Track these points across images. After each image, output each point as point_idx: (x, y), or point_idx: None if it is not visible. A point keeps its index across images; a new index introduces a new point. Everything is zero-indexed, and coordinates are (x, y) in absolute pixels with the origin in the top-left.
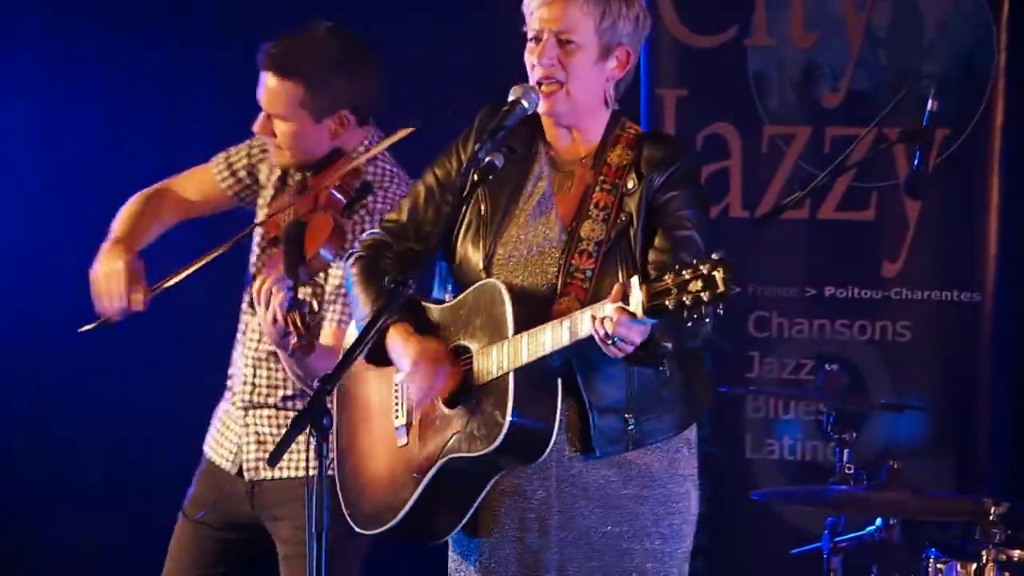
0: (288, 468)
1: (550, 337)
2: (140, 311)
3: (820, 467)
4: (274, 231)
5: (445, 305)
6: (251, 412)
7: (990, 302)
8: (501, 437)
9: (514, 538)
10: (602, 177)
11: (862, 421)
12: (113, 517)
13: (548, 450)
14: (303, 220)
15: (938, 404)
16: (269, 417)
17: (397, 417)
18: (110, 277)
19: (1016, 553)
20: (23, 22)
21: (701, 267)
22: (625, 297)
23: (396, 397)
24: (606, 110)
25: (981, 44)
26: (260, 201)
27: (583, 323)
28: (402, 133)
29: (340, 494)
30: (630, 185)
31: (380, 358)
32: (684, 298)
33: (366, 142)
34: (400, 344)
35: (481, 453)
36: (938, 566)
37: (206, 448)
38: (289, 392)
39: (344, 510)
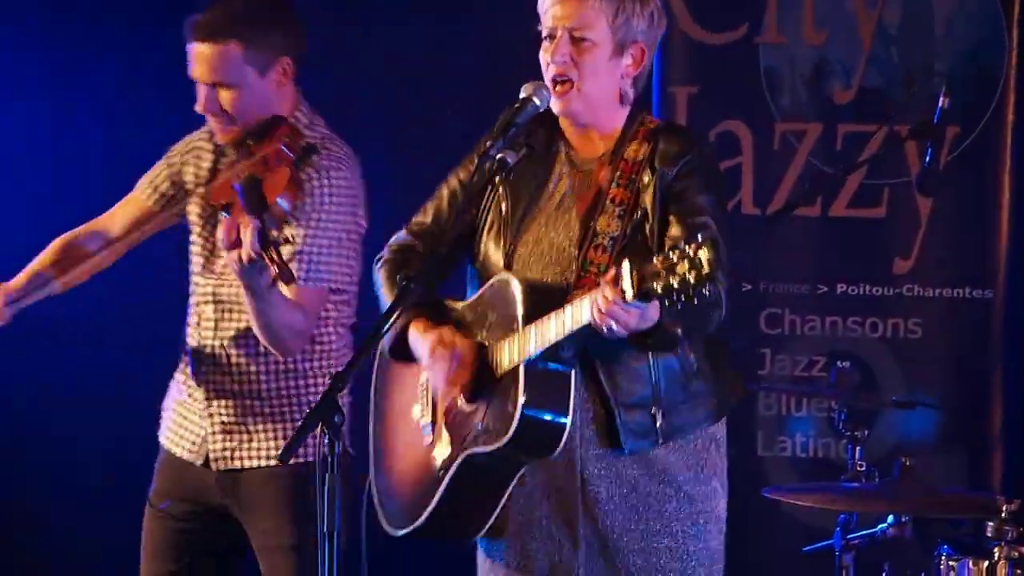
0: (260, 458)
1: (554, 326)
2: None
3: (832, 464)
4: (225, 197)
5: (465, 303)
6: (214, 402)
7: (1002, 299)
8: (512, 430)
9: (539, 536)
10: (619, 172)
11: (874, 418)
12: (114, 517)
13: (563, 443)
14: (258, 176)
15: (950, 401)
16: (234, 405)
17: (423, 415)
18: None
19: None
20: (23, 22)
21: (687, 249)
22: (618, 281)
23: (422, 395)
24: (622, 107)
25: (992, 41)
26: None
27: (583, 310)
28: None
29: (375, 495)
30: (645, 180)
31: (406, 355)
32: (671, 280)
33: (303, 107)
34: (419, 337)
35: (496, 447)
36: (950, 563)
37: (163, 440)
38: (253, 378)
39: (379, 511)
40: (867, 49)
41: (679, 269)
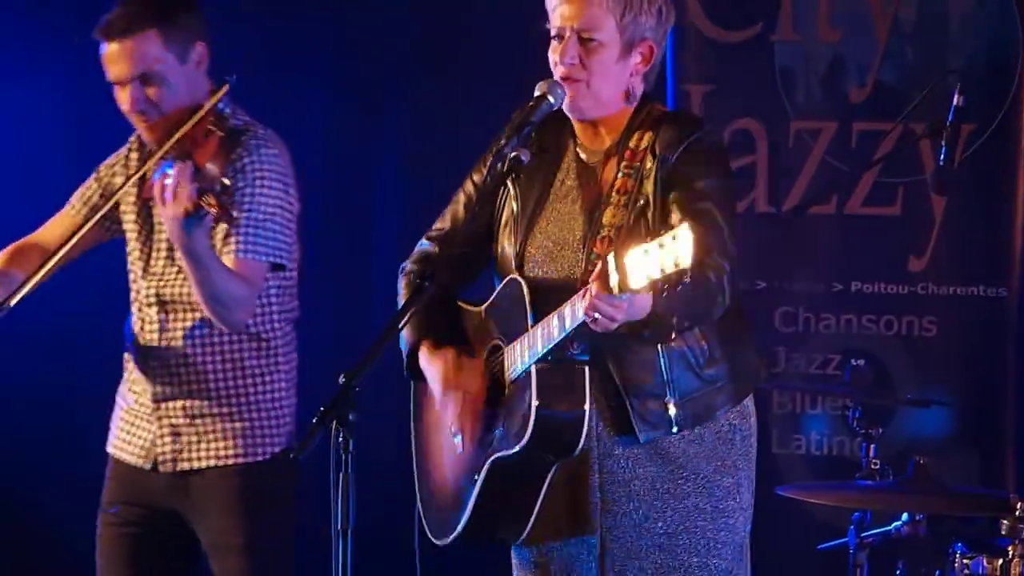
0: (210, 458)
1: (556, 323)
2: None
3: (846, 462)
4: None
5: (480, 307)
6: (163, 405)
7: (1016, 297)
8: (530, 431)
9: (560, 535)
10: (624, 163)
11: (888, 416)
12: None
13: (583, 439)
14: (187, 148)
15: (964, 399)
16: (183, 408)
17: (453, 425)
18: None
19: None
20: (47, 14)
21: (664, 235)
22: (604, 275)
23: (453, 426)
24: (631, 102)
25: (1007, 40)
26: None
27: (578, 307)
28: (220, 93)
29: (419, 504)
30: (648, 166)
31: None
32: (653, 269)
33: (224, 98)
34: (428, 364)
35: (516, 449)
36: (964, 561)
37: (110, 449)
38: (201, 378)
39: (423, 520)
40: (882, 47)
41: (660, 257)
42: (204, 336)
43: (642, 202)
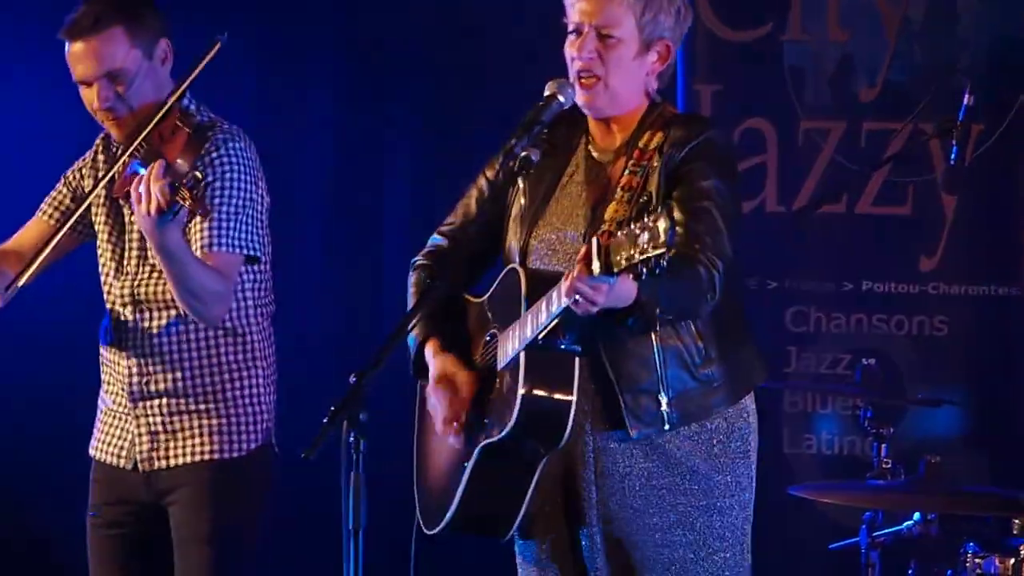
0: (182, 455)
1: (544, 310)
2: None
3: (857, 462)
4: (128, 185)
5: (481, 298)
6: (141, 404)
7: None
8: (514, 415)
9: (557, 532)
10: (632, 161)
11: (899, 416)
12: None
13: (568, 429)
14: (155, 146)
15: (975, 399)
16: (160, 406)
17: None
18: None
19: None
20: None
21: (647, 220)
22: (588, 257)
23: (441, 425)
24: (645, 101)
25: (1016, 39)
26: (96, 203)
27: (562, 289)
28: (212, 52)
29: (416, 496)
30: (655, 164)
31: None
32: (633, 251)
33: (188, 95)
34: (431, 360)
35: (502, 435)
36: (976, 560)
37: (92, 452)
38: (178, 376)
39: (417, 511)
40: (891, 47)
41: (639, 240)
42: (180, 334)
43: (644, 198)
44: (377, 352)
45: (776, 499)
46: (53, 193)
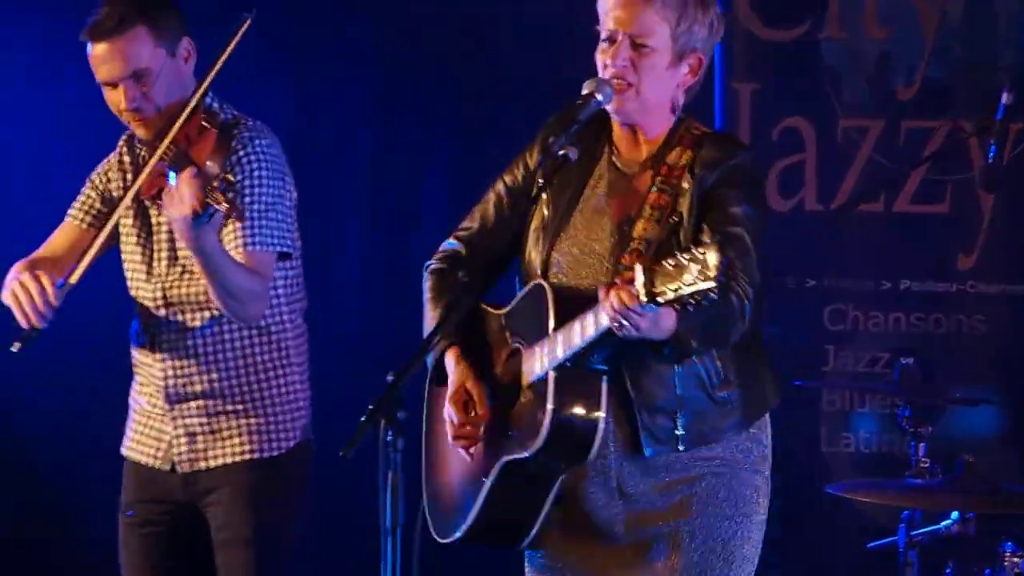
0: (225, 455)
1: (579, 331)
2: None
3: (895, 461)
4: (157, 186)
5: (503, 310)
6: (177, 406)
7: None
8: (543, 436)
9: (578, 539)
10: (660, 178)
11: (937, 415)
12: None
13: (596, 446)
14: (183, 147)
15: (1013, 397)
16: (197, 408)
17: None
18: (17, 289)
19: None
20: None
21: (696, 251)
22: (632, 284)
23: (454, 441)
24: (672, 114)
25: None
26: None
27: (602, 315)
28: (242, 29)
29: (425, 501)
30: (685, 185)
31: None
32: (681, 283)
33: (211, 93)
34: (451, 369)
35: (529, 453)
36: (1014, 559)
37: (125, 451)
38: (214, 377)
39: (427, 517)
40: (930, 45)
41: (688, 272)
42: (214, 335)
43: (676, 219)
44: (415, 352)
45: (814, 498)
46: (81, 198)
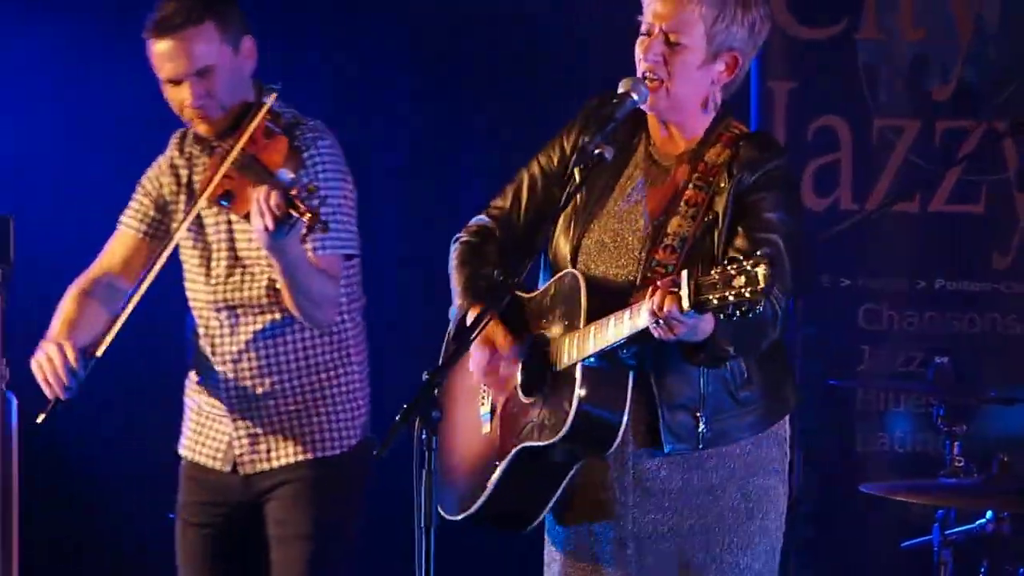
0: (284, 456)
1: (613, 327)
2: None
3: (930, 460)
4: (224, 186)
5: (531, 294)
6: (237, 407)
7: None
8: (567, 426)
9: (597, 529)
10: (697, 175)
11: (972, 414)
12: None
13: (617, 441)
14: (250, 152)
15: None
16: (259, 409)
17: (483, 404)
18: (42, 360)
19: None
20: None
21: (746, 263)
22: (676, 289)
23: (483, 384)
24: (709, 111)
25: None
26: (176, 207)
27: (642, 314)
28: (268, 103)
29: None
30: (722, 184)
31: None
32: (728, 294)
33: (267, 99)
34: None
35: (549, 442)
36: None
37: (183, 451)
38: (274, 378)
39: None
40: (965, 46)
41: (736, 283)
42: (275, 336)
43: (711, 218)
44: (452, 351)
45: (849, 497)
46: (134, 205)
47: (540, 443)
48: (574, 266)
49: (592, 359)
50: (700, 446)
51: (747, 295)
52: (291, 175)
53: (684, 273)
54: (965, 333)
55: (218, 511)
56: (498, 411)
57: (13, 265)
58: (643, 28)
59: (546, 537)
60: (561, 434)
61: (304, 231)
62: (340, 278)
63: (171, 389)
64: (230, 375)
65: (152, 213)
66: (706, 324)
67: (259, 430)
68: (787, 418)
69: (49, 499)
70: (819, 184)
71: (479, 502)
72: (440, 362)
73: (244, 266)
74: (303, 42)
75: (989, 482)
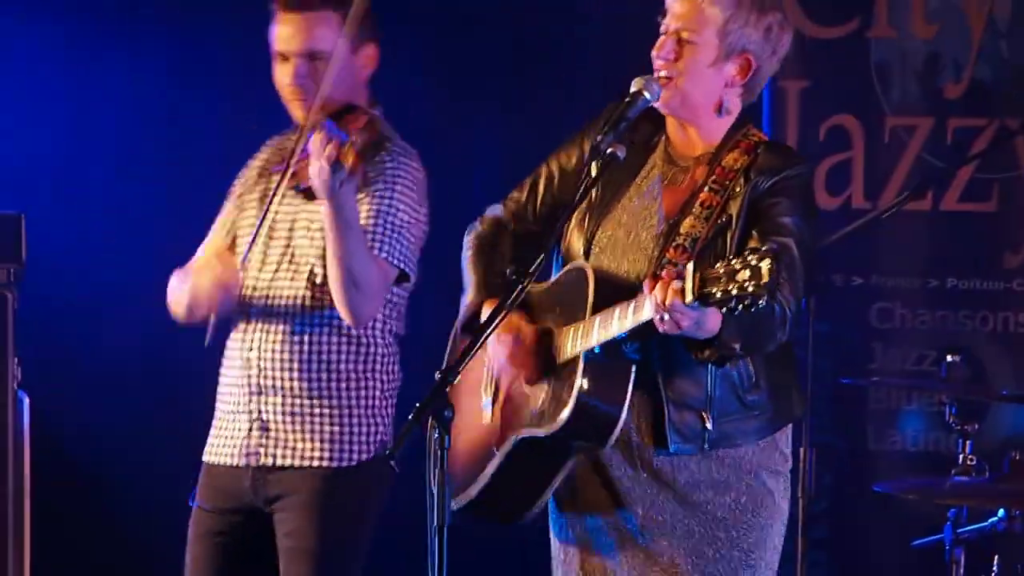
0: (296, 457)
1: (617, 320)
2: (235, 285)
3: (942, 458)
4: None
5: (541, 285)
6: (255, 398)
7: None
8: (565, 416)
9: (604, 521)
10: (713, 177)
11: (984, 412)
12: None
13: (615, 436)
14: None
15: None
16: (274, 403)
17: (485, 394)
18: (196, 284)
19: None
20: (140, 13)
21: (750, 258)
22: (680, 281)
23: (487, 374)
24: (724, 115)
25: None
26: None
27: (646, 307)
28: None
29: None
30: (737, 188)
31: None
32: (731, 287)
33: (376, 111)
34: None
35: (547, 432)
36: None
37: (204, 456)
38: (295, 375)
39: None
40: (977, 44)
41: (739, 277)
42: (304, 334)
43: (724, 220)
44: (464, 350)
45: (860, 496)
46: (224, 213)
47: (538, 432)
48: (586, 259)
49: (595, 351)
50: (705, 447)
51: (750, 289)
52: (357, 138)
53: (689, 265)
54: (977, 331)
55: (231, 521)
56: (500, 401)
57: (24, 265)
58: (662, 28)
59: (551, 529)
60: (559, 424)
61: (345, 176)
62: (387, 286)
63: (181, 388)
64: (254, 368)
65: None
66: (711, 320)
67: (270, 425)
68: (789, 428)
69: (61, 498)
70: (831, 183)
71: (475, 490)
72: (447, 354)
73: (295, 262)
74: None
75: (1001, 480)
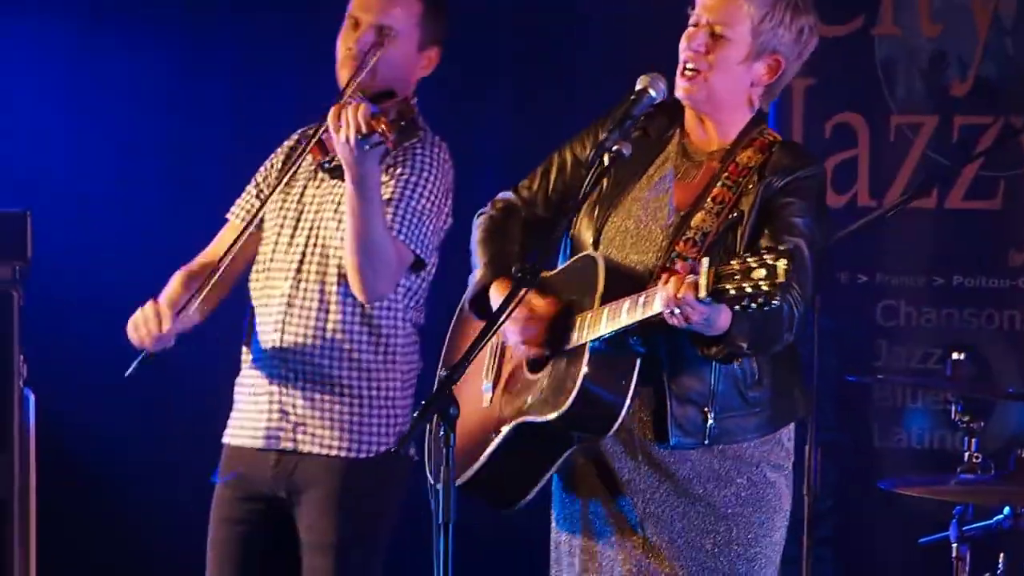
0: (315, 444)
1: (627, 311)
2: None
3: (948, 456)
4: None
5: (549, 273)
6: (276, 384)
7: None
8: (567, 404)
9: (606, 510)
10: (727, 174)
11: (990, 410)
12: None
13: (616, 427)
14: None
15: None
16: (295, 388)
17: (486, 376)
18: (138, 318)
19: None
20: (154, 10)
21: (766, 256)
22: (694, 275)
23: (490, 355)
24: (746, 112)
25: None
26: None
27: (657, 299)
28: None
29: (430, 449)
30: (750, 186)
31: (484, 312)
32: (745, 284)
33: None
34: (499, 296)
35: (547, 419)
36: None
37: (225, 439)
38: (317, 362)
39: (427, 462)
40: (983, 41)
41: (755, 275)
42: (327, 324)
43: (735, 216)
44: (469, 348)
45: (866, 493)
46: (245, 197)
47: (538, 419)
48: (595, 248)
49: (601, 341)
50: (706, 442)
51: (764, 287)
52: (389, 111)
53: (705, 260)
54: (982, 329)
55: (254, 507)
56: (501, 385)
57: (30, 262)
58: (691, 20)
59: (552, 517)
60: (561, 411)
61: (374, 143)
62: (403, 269)
63: (190, 384)
64: (277, 355)
65: (257, 207)
66: (722, 319)
67: (290, 410)
68: (792, 426)
69: (66, 494)
70: (837, 181)
71: (470, 473)
72: (451, 327)
73: (322, 250)
74: (324, 30)
75: (1007, 478)
